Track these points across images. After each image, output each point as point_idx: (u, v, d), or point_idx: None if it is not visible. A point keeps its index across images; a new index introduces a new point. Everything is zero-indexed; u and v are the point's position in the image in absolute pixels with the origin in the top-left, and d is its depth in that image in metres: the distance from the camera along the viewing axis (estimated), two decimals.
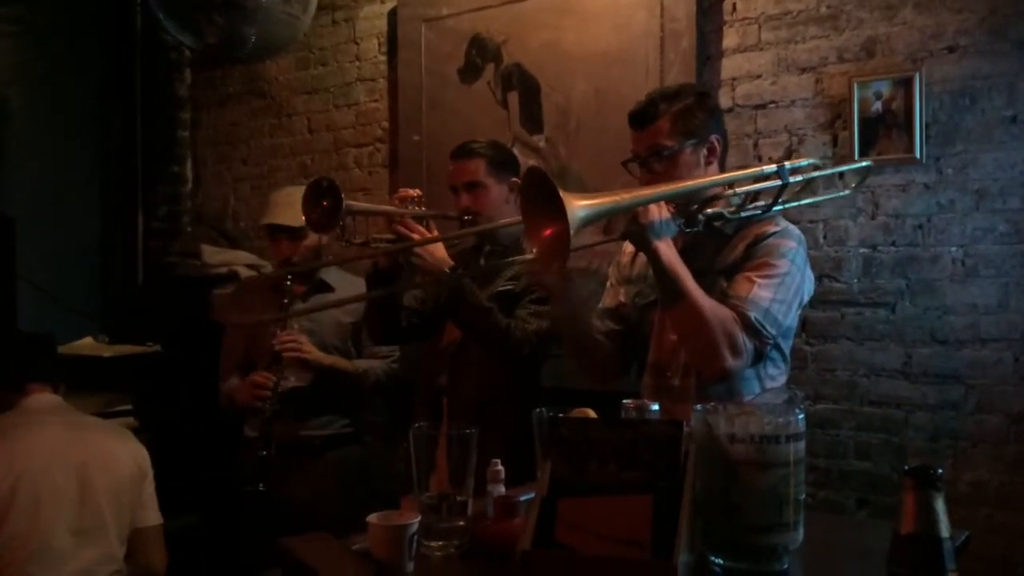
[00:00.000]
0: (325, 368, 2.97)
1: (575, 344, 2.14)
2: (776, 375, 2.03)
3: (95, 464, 2.28)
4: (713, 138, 2.06)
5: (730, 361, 1.86)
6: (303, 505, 2.77)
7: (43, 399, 2.38)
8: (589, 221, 1.67)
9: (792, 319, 2.02)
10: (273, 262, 3.27)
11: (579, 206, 1.61)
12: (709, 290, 1.91)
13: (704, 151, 2.05)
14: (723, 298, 1.92)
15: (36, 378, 2.41)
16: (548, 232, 1.66)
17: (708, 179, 2.00)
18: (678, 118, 2.02)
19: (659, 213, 1.83)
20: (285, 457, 2.87)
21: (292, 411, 2.92)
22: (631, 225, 1.84)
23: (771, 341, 1.91)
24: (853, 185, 2.34)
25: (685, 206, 1.92)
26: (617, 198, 1.79)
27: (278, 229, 3.01)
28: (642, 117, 2.04)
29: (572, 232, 1.58)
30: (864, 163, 2.27)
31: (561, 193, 1.58)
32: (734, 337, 1.85)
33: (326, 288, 3.10)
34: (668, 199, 1.88)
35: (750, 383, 2.00)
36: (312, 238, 3.01)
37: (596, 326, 2.18)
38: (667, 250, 1.85)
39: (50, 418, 2.33)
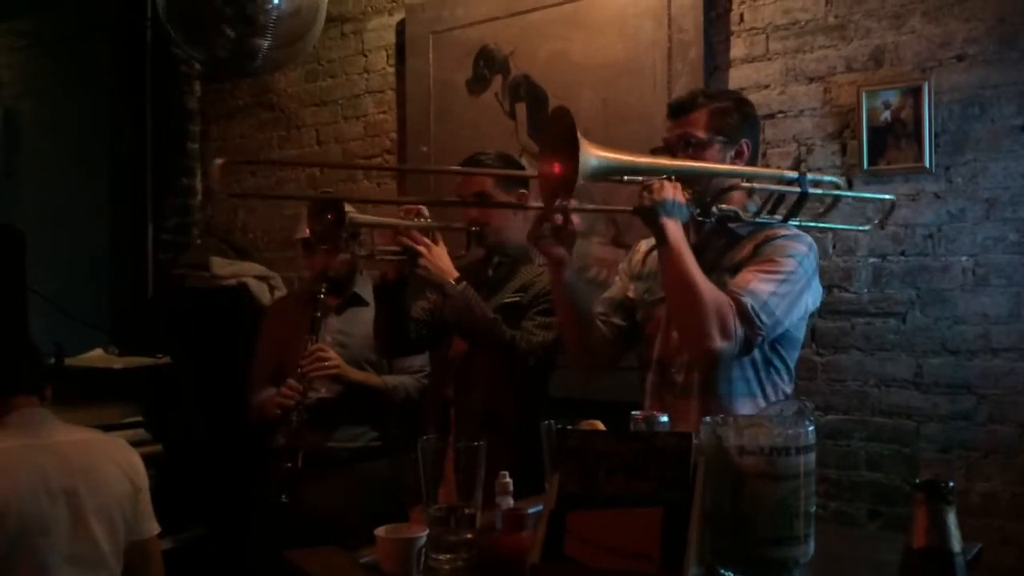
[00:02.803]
0: (354, 383, 2.96)
1: (572, 315, 2.12)
2: (780, 384, 2.03)
3: (84, 489, 2.16)
4: (744, 142, 2.07)
5: (718, 342, 1.86)
6: (325, 517, 2.77)
7: (29, 415, 2.23)
8: (601, 172, 1.72)
9: (795, 326, 2.01)
10: (307, 275, 3.26)
11: (594, 154, 1.67)
12: (715, 285, 1.91)
13: (732, 152, 2.06)
14: (725, 291, 1.92)
15: (21, 390, 2.26)
16: (557, 171, 1.69)
17: (726, 167, 2.04)
18: (714, 115, 2.05)
19: (674, 193, 1.86)
20: (311, 468, 2.85)
21: (320, 422, 2.91)
22: (643, 200, 1.86)
23: (763, 332, 1.90)
24: (876, 221, 2.35)
25: (701, 196, 1.96)
26: (634, 159, 1.83)
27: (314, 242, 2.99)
28: (680, 107, 2.08)
29: (580, 178, 1.63)
30: (888, 197, 2.28)
31: (580, 136, 1.63)
32: (725, 319, 1.85)
33: (360, 302, 3.09)
34: (683, 174, 1.91)
35: (751, 385, 2.00)
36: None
37: (596, 311, 2.19)
38: (674, 229, 1.87)
39: (34, 441, 2.19)
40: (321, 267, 3.00)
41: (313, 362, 2.86)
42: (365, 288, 3.12)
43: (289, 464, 2.79)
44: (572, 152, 1.63)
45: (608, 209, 2.01)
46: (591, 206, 1.97)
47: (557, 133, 1.71)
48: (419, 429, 2.53)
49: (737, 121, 2.07)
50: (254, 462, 3.07)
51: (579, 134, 1.64)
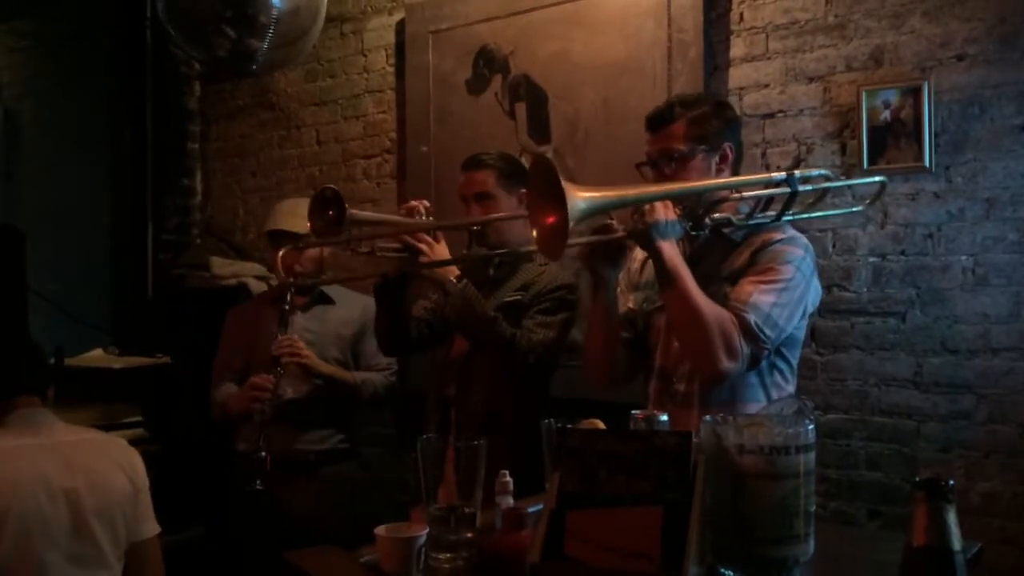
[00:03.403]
0: (323, 375, 2.96)
1: (605, 337, 2.11)
2: (783, 384, 2.03)
3: (85, 489, 2.17)
4: (726, 146, 2.07)
5: (725, 363, 1.87)
6: (299, 520, 2.76)
7: (30, 415, 2.24)
8: (590, 213, 1.72)
9: (796, 327, 2.01)
10: (275, 271, 3.27)
11: (580, 197, 1.66)
12: (714, 296, 1.92)
13: (716, 158, 2.06)
14: (725, 302, 1.92)
15: (24, 390, 2.27)
16: (549, 220, 1.69)
17: (715, 181, 2.03)
18: (693, 123, 2.04)
19: (665, 213, 1.86)
20: (278, 470, 2.83)
21: (287, 423, 2.90)
22: (636, 223, 1.86)
23: (768, 347, 1.91)
24: (867, 201, 2.34)
25: (692, 209, 1.94)
26: (621, 193, 1.83)
27: (281, 236, 2.98)
28: (658, 120, 2.07)
29: (571, 223, 1.62)
30: (878, 179, 2.27)
31: (563, 183, 1.62)
32: (730, 339, 1.86)
33: (327, 300, 3.11)
34: (673, 198, 1.91)
35: (754, 391, 2.00)
36: (315, 248, 3.00)
37: None
38: (670, 250, 1.87)
39: (35, 440, 2.20)
40: (289, 263, 2.98)
41: (282, 347, 2.86)
42: (332, 286, 3.13)
43: (263, 453, 2.77)
44: (559, 199, 1.62)
45: (606, 239, 2.00)
46: (592, 237, 1.97)
47: (541, 183, 1.70)
48: (420, 428, 2.53)
49: (717, 126, 2.06)
50: (225, 460, 3.07)
51: (563, 181, 1.62)
